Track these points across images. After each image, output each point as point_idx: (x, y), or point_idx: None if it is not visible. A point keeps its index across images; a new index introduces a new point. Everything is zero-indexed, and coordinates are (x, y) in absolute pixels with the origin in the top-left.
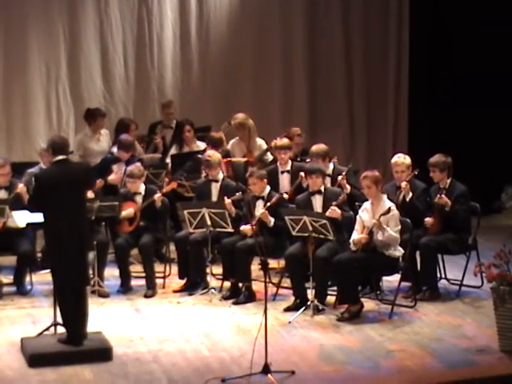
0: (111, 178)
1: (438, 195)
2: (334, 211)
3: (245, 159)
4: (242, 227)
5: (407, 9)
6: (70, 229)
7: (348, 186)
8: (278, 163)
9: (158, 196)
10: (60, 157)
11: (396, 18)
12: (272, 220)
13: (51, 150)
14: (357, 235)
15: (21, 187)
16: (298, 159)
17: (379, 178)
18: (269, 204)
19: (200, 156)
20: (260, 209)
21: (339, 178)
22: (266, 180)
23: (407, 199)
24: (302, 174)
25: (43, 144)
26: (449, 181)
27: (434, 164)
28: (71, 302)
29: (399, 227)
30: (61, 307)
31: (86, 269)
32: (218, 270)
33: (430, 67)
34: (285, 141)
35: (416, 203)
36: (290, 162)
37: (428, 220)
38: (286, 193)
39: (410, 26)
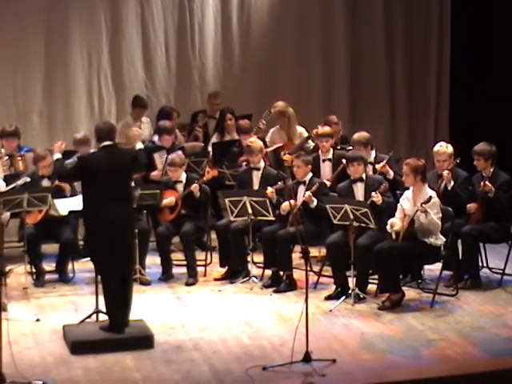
0: (154, 174)
1: (483, 182)
2: (376, 197)
3: (279, 145)
4: (283, 205)
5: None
6: (115, 215)
7: (391, 172)
8: (320, 151)
9: (194, 186)
10: (106, 142)
11: (438, 4)
12: (315, 200)
13: (96, 137)
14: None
15: None
16: (338, 147)
17: (419, 167)
18: (311, 190)
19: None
20: (301, 194)
21: (378, 166)
22: (310, 166)
23: (449, 187)
24: (344, 161)
25: (77, 134)
26: (492, 169)
27: (479, 152)
28: (115, 290)
29: (440, 214)
30: (105, 294)
31: (131, 256)
32: (259, 258)
33: (472, 55)
34: (326, 129)
35: (458, 191)
36: (331, 150)
37: (471, 206)
38: (328, 180)
39: (452, 13)
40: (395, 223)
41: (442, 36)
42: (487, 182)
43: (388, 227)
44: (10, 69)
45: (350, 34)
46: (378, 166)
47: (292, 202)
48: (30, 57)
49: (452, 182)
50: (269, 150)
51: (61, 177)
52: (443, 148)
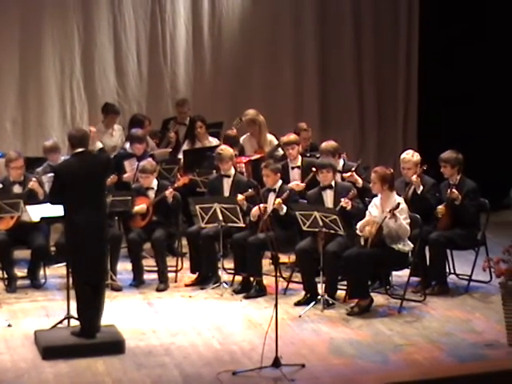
0: (125, 176)
1: (449, 189)
2: (346, 203)
3: (260, 155)
4: (252, 210)
5: (417, 11)
6: (89, 221)
7: (360, 180)
8: (288, 159)
9: (169, 191)
10: (79, 149)
11: (406, 16)
12: (284, 208)
13: (70, 143)
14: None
15: (33, 182)
16: (308, 154)
17: (387, 176)
18: (281, 198)
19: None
20: (272, 201)
21: (346, 174)
22: (279, 174)
23: (418, 192)
24: (314, 169)
25: (46, 142)
26: (459, 177)
27: (445, 159)
28: (88, 295)
29: (409, 220)
30: (77, 300)
31: (104, 262)
32: (229, 264)
33: (439, 65)
34: (291, 137)
35: (427, 196)
36: (299, 157)
37: (440, 208)
38: (297, 185)
39: (420, 24)
40: (364, 224)
41: (410, 47)
42: (454, 190)
43: (357, 231)
44: None
45: (320, 45)
46: (345, 175)
47: (262, 205)
48: (4, 65)
49: (421, 187)
50: (252, 158)
51: (53, 202)
52: (409, 156)
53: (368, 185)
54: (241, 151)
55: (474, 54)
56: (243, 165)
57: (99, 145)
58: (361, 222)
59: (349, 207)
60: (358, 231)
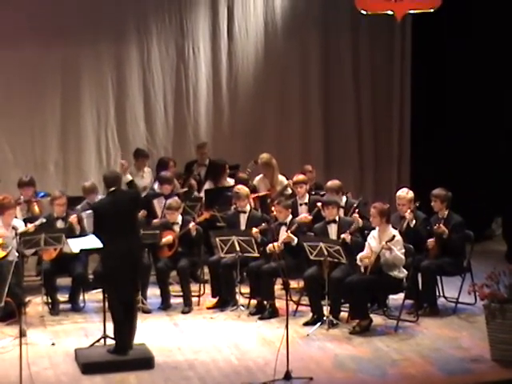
0: (155, 221)
1: (437, 225)
2: (347, 236)
3: (267, 192)
4: (268, 246)
5: (409, 59)
6: (123, 250)
7: (360, 220)
8: (297, 196)
9: (192, 225)
10: (113, 188)
11: (399, 70)
12: (295, 239)
13: (105, 183)
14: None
15: (72, 218)
16: (313, 193)
17: (384, 210)
18: (290, 230)
19: (229, 193)
20: (283, 233)
21: (354, 215)
22: (289, 209)
23: (411, 225)
24: (319, 204)
25: (85, 183)
26: (447, 212)
27: (436, 195)
28: (122, 317)
29: (403, 250)
30: (113, 321)
31: (137, 287)
32: (245, 289)
33: (429, 113)
34: (300, 177)
35: (419, 229)
36: (307, 195)
37: (431, 241)
38: (305, 218)
39: (412, 74)
40: (364, 256)
41: (403, 96)
42: (441, 225)
43: (358, 261)
44: (29, 124)
45: (325, 97)
46: (354, 215)
47: (275, 244)
48: (47, 113)
49: (414, 221)
50: (259, 194)
51: (95, 232)
52: (404, 193)
53: (366, 221)
54: (252, 190)
55: (462, 102)
56: (251, 200)
57: (129, 177)
58: (361, 254)
59: (348, 240)
60: (358, 261)
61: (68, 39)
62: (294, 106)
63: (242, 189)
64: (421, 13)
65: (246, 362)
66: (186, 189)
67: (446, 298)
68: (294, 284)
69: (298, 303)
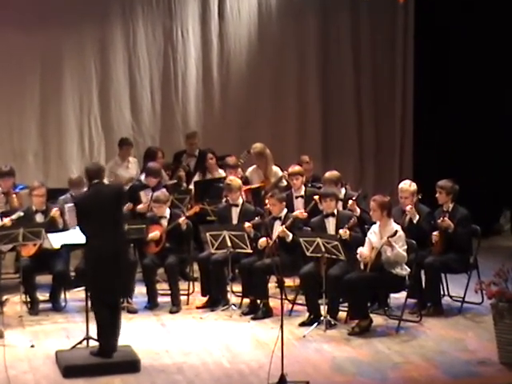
0: (140, 207)
1: (441, 218)
2: (344, 232)
3: (260, 184)
4: (260, 240)
5: (411, 45)
6: (106, 246)
7: (358, 209)
8: (292, 189)
9: (182, 219)
10: (95, 181)
11: (401, 55)
12: (290, 235)
13: (87, 176)
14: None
15: (54, 211)
16: (309, 185)
17: (385, 203)
18: (286, 225)
19: (221, 184)
20: (277, 228)
21: (350, 202)
22: (284, 203)
23: (414, 221)
24: (316, 197)
25: (73, 176)
26: (452, 205)
27: (441, 186)
28: (105, 317)
29: (406, 247)
30: (96, 322)
31: (121, 285)
32: (237, 287)
33: (434, 101)
34: (296, 168)
35: (422, 225)
36: (303, 187)
37: (434, 235)
38: (302, 214)
39: (415, 62)
40: (363, 253)
41: (405, 82)
42: (446, 218)
43: (358, 256)
44: (6, 111)
45: (322, 82)
46: (350, 202)
47: (267, 239)
48: (25, 100)
49: (417, 217)
50: (252, 187)
51: (79, 227)
52: (406, 186)
53: (365, 214)
54: (245, 182)
55: (465, 88)
56: (243, 193)
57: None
58: (361, 249)
59: (347, 237)
60: (358, 257)
61: (48, 21)
62: (290, 93)
63: (235, 180)
64: None
65: (238, 365)
66: (175, 181)
67: (451, 296)
68: (289, 282)
69: (293, 302)
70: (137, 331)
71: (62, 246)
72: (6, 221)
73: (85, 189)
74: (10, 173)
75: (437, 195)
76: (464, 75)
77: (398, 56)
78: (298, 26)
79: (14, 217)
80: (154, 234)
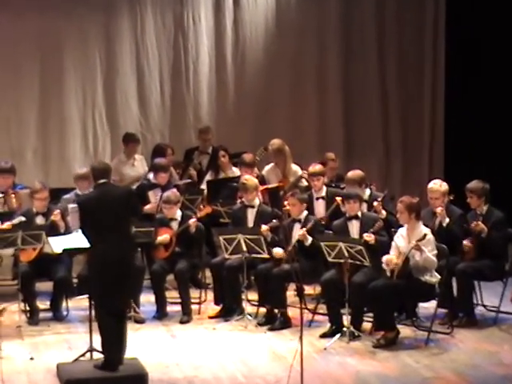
0: (148, 207)
1: (475, 222)
2: (369, 236)
3: (278, 184)
4: (275, 250)
5: (443, 33)
6: (111, 250)
7: (384, 212)
8: (313, 190)
9: (192, 221)
10: (101, 181)
11: (431, 42)
12: (310, 238)
13: (92, 176)
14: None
15: (55, 214)
16: (333, 185)
17: (414, 205)
18: (306, 228)
19: (235, 183)
20: (297, 232)
21: (375, 203)
22: (305, 204)
23: (444, 224)
24: (338, 198)
25: (79, 170)
26: (486, 207)
27: (471, 190)
28: (110, 328)
29: (436, 252)
30: (100, 332)
31: (127, 294)
32: (253, 296)
33: (466, 93)
34: (317, 167)
35: (453, 228)
36: (324, 188)
37: (466, 243)
38: (322, 219)
39: (446, 51)
40: (391, 260)
41: (435, 75)
42: (479, 222)
43: (383, 265)
44: (4, 106)
45: (344, 72)
46: (375, 204)
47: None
48: (25, 92)
49: (447, 219)
50: (269, 186)
51: (82, 230)
52: (436, 186)
53: (392, 217)
54: (261, 181)
55: (502, 82)
56: (260, 193)
57: None
58: (386, 257)
59: (372, 241)
60: (383, 265)
61: (49, 8)
62: (310, 85)
63: (250, 179)
64: None
65: (253, 379)
66: (188, 180)
67: (484, 306)
68: (309, 290)
69: (313, 312)
70: (144, 343)
71: (63, 251)
72: (6, 225)
73: (91, 188)
74: (11, 170)
75: (468, 200)
76: (499, 67)
77: (426, 44)
78: (318, 11)
79: (14, 221)
80: (164, 237)
